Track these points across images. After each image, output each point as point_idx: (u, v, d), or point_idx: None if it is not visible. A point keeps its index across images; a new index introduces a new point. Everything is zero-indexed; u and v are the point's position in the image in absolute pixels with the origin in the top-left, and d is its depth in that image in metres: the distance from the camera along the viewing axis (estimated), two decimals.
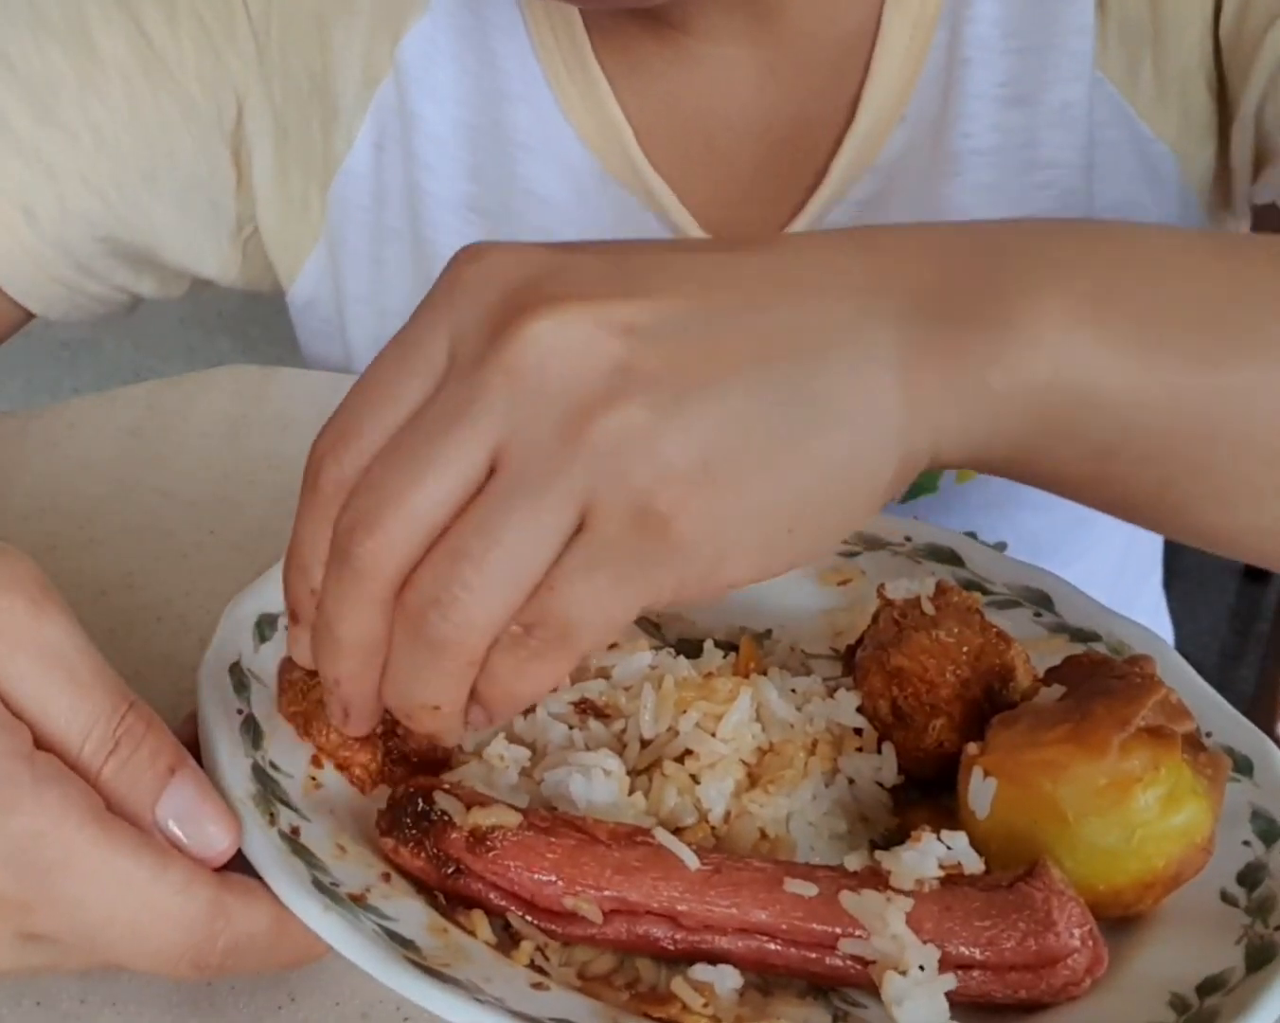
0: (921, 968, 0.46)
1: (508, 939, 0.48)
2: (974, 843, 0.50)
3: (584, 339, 0.43)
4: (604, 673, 0.58)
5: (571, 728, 0.56)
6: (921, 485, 0.87)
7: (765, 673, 0.58)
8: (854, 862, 0.50)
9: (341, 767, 0.53)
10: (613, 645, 0.59)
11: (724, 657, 0.60)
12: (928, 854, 0.49)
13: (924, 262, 0.47)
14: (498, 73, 0.81)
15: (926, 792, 0.57)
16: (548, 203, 0.83)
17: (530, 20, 0.80)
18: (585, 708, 0.57)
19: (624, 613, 0.44)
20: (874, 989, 0.47)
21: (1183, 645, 0.71)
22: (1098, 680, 0.53)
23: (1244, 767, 0.57)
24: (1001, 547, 0.81)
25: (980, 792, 0.52)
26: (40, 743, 0.44)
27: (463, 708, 0.46)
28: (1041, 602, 0.67)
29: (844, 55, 0.79)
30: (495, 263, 0.45)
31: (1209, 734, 0.57)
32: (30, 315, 0.84)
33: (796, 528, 0.44)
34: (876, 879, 0.48)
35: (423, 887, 0.49)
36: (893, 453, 0.44)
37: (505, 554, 0.43)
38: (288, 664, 0.54)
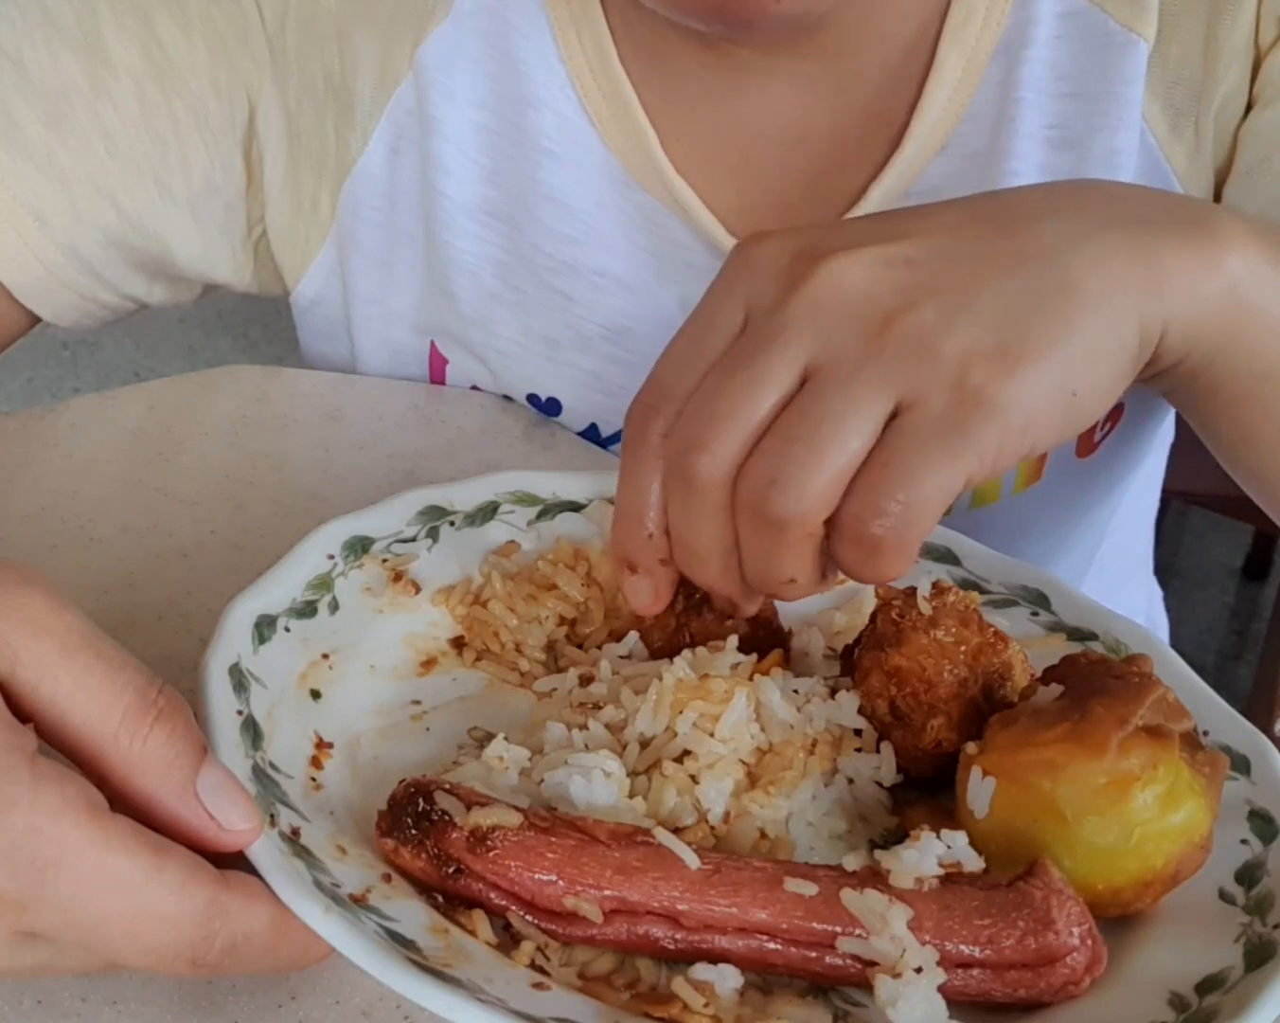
0: (919, 970, 0.46)
1: (508, 939, 0.48)
2: (973, 842, 0.50)
3: (872, 271, 0.51)
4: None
5: (571, 729, 0.56)
6: None
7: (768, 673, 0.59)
8: (853, 862, 0.50)
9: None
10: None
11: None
12: (927, 853, 0.49)
13: (1130, 199, 0.56)
14: (520, 78, 0.81)
15: (925, 791, 0.57)
16: (568, 207, 0.83)
17: (555, 24, 0.80)
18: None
19: (954, 480, 0.49)
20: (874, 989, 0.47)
21: (1181, 645, 0.71)
22: (1096, 680, 0.53)
23: (1241, 765, 0.57)
24: None
25: (979, 791, 0.52)
26: (70, 724, 0.44)
27: (817, 575, 0.52)
28: (1038, 601, 0.67)
29: (890, 79, 0.79)
30: (778, 240, 0.53)
31: (1206, 733, 0.58)
32: (37, 320, 0.84)
33: (1079, 391, 0.51)
34: (877, 879, 0.49)
35: (423, 888, 0.49)
36: (1134, 328, 0.53)
37: (831, 430, 0.49)
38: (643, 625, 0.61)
